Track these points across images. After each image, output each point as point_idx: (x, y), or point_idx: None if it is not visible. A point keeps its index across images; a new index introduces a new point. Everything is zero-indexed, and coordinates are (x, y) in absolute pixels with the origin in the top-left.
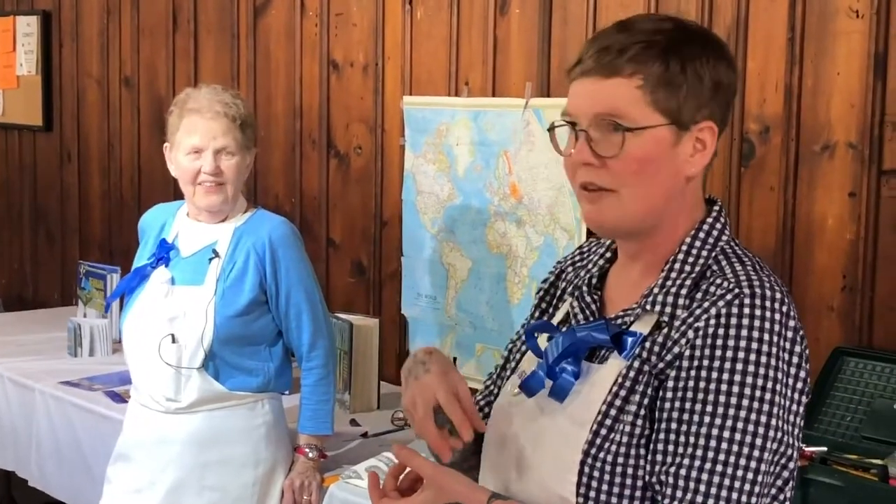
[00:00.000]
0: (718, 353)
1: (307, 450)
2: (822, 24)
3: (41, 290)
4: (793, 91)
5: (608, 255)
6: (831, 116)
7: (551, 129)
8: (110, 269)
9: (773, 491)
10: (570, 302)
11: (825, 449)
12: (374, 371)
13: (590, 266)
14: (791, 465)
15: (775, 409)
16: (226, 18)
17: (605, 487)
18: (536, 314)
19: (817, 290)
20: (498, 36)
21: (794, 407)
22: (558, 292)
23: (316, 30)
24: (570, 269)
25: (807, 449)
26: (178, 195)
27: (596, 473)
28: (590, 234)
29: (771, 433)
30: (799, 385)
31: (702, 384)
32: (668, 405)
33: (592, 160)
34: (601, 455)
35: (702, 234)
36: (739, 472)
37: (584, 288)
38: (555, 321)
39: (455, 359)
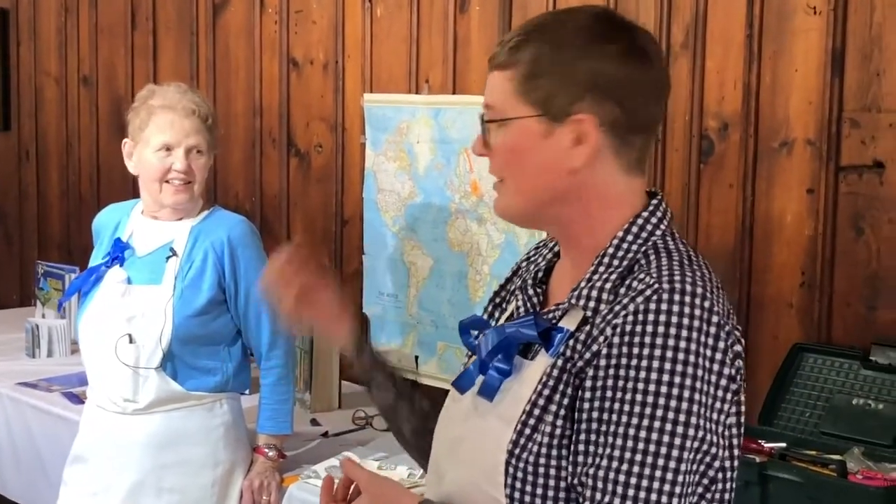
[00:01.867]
0: (635, 350)
1: (266, 450)
2: (780, 22)
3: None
4: (751, 88)
5: (556, 248)
6: (790, 113)
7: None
8: (69, 268)
9: (700, 489)
10: (518, 296)
11: (784, 445)
12: (334, 370)
13: (538, 260)
14: (717, 464)
15: (695, 408)
16: (185, 16)
17: (528, 489)
18: (490, 308)
19: (776, 287)
20: (458, 34)
21: (719, 405)
22: (512, 287)
23: (275, 27)
24: (524, 264)
25: (766, 445)
26: (137, 194)
27: (520, 474)
28: None
29: (690, 432)
30: (723, 382)
31: (620, 383)
32: (586, 405)
33: (482, 150)
34: (524, 455)
35: (634, 228)
36: (658, 473)
37: (529, 281)
38: (505, 316)
39: (417, 357)
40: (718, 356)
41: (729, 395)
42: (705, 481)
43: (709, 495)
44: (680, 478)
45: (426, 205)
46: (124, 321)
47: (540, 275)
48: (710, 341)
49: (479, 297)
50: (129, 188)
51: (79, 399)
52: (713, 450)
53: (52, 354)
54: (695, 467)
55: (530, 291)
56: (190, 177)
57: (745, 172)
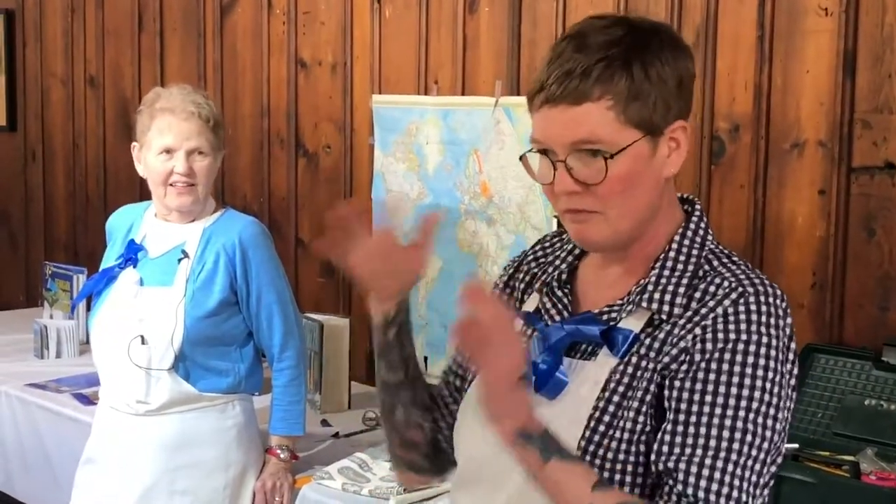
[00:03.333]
0: (730, 345)
1: (279, 451)
2: (792, 23)
3: (5, 291)
4: (762, 89)
5: (576, 251)
6: (801, 115)
7: (522, 157)
8: (76, 269)
9: (765, 479)
10: (539, 298)
11: (797, 445)
12: (344, 371)
13: (557, 262)
14: (780, 459)
15: (778, 402)
16: (192, 17)
17: None
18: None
19: (787, 288)
20: (467, 34)
21: (789, 403)
22: (521, 284)
23: (283, 28)
24: (532, 263)
25: None
26: (144, 195)
27: (594, 470)
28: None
29: (774, 425)
30: (793, 382)
31: (712, 376)
32: (675, 395)
33: (576, 188)
34: (600, 451)
35: (689, 234)
36: (749, 463)
37: (554, 283)
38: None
39: (426, 358)
40: (791, 356)
41: (791, 392)
42: (772, 469)
43: (766, 489)
44: (764, 469)
45: (435, 206)
46: (136, 322)
47: (563, 277)
48: (786, 341)
49: None
50: (135, 189)
51: (89, 400)
52: (782, 446)
53: (60, 355)
54: (771, 459)
55: (559, 293)
56: (192, 179)
57: (757, 174)
